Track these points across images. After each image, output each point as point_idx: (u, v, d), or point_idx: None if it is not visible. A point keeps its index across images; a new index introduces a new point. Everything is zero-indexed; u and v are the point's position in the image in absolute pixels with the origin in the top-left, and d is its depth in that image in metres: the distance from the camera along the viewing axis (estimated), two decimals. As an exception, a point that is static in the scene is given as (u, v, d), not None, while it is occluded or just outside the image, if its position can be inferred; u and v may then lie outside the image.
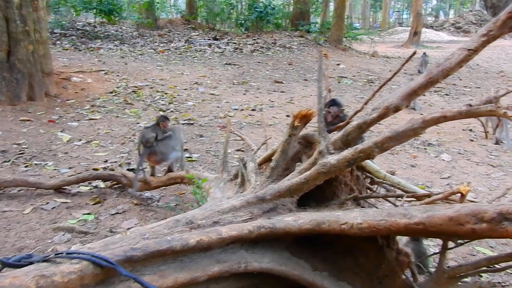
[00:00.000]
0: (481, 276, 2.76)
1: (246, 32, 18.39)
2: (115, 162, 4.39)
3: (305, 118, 2.17)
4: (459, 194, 1.71)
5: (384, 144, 1.87)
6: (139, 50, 13.19)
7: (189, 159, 4.70)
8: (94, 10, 16.04)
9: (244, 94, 8.41)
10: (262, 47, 15.17)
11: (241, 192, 2.42)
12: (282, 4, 20.86)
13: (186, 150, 5.01)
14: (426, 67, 11.57)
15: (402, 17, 67.32)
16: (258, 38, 16.53)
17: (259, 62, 12.55)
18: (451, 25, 37.26)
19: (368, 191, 2.30)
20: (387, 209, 1.75)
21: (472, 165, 4.87)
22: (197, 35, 16.90)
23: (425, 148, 5.43)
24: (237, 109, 7.18)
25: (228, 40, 16.20)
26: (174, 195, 3.77)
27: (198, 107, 7.14)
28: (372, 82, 10.57)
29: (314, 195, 2.12)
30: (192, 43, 15.16)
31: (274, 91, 8.87)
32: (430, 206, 1.68)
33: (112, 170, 3.83)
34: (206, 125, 6.13)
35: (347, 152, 1.92)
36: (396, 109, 1.90)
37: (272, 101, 7.86)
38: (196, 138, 5.52)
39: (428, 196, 1.91)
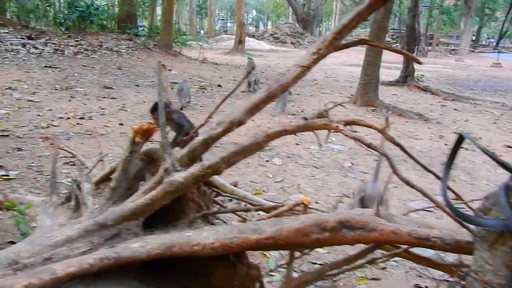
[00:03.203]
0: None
1: (66, 32, 16.86)
2: None
3: (146, 133, 2.03)
4: (303, 205, 1.79)
5: (231, 159, 1.86)
6: None
7: (6, 177, 4.06)
8: None
9: (70, 100, 7.67)
10: (87, 50, 14.14)
11: (76, 218, 2.15)
12: (107, 5, 19.76)
13: (1, 167, 4.32)
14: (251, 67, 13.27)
15: (227, 25, 70.82)
16: (81, 40, 15.34)
17: (84, 66, 11.64)
18: (270, 35, 40.55)
19: (216, 205, 2.27)
20: (237, 225, 1.74)
21: (300, 167, 5.32)
22: (6, 32, 14.84)
23: (258, 154, 5.72)
24: (62, 117, 6.50)
25: (46, 40, 14.64)
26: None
27: (13, 116, 6.24)
28: (204, 88, 10.74)
29: (162, 215, 2.00)
30: (1, 41, 13.26)
31: (104, 97, 8.32)
32: (278, 219, 1.72)
33: None
34: (25, 137, 5.38)
35: (194, 169, 1.85)
36: (240, 123, 1.90)
37: (102, 108, 7.34)
38: (13, 152, 4.80)
39: (274, 208, 1.97)
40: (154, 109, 2.44)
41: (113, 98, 8.35)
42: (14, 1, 18.09)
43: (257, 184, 4.55)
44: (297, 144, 6.44)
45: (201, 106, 8.41)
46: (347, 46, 1.84)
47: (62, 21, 17.49)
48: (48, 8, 18.46)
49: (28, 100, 7.25)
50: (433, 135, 7.76)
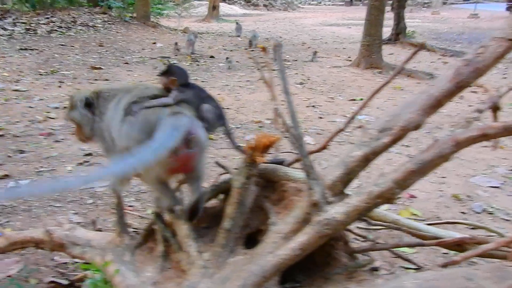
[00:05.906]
0: None
1: (33, 9, 15.52)
2: None
3: (267, 149, 1.47)
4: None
5: (407, 180, 1.33)
6: None
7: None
8: None
9: (60, 86, 6.87)
10: (61, 27, 13.03)
11: (170, 268, 1.59)
12: (73, -24, 18.30)
13: (6, 176, 3.68)
14: (241, 31, 15.51)
15: (194, -10, 68.28)
16: (52, 16, 14.11)
17: (62, 45, 10.66)
18: (241, -1, 39.06)
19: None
20: (433, 278, 1.22)
21: (336, 146, 4.74)
22: (-32, 14, 13.53)
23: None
24: (57, 107, 5.75)
25: (13, 19, 13.40)
26: (16, 255, 2.58)
27: (3, 110, 5.47)
28: (197, 61, 9.99)
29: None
30: (-35, 24, 12.04)
31: (96, 79, 7.52)
32: (502, 269, 1.21)
33: None
34: (23, 135, 4.68)
35: (358, 200, 1.32)
36: (417, 127, 1.37)
37: (98, 93, 6.60)
38: (15, 156, 4.13)
39: (462, 243, 1.45)
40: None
41: (106, 79, 7.58)
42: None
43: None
44: (320, 117, 5.94)
45: (202, 82, 7.70)
46: None
47: (27, -3, 16.08)
48: (9, -17, 16.93)
49: (14, 90, 6.42)
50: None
